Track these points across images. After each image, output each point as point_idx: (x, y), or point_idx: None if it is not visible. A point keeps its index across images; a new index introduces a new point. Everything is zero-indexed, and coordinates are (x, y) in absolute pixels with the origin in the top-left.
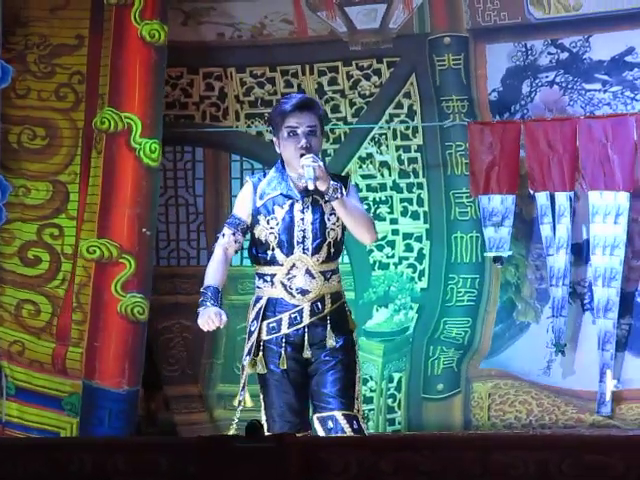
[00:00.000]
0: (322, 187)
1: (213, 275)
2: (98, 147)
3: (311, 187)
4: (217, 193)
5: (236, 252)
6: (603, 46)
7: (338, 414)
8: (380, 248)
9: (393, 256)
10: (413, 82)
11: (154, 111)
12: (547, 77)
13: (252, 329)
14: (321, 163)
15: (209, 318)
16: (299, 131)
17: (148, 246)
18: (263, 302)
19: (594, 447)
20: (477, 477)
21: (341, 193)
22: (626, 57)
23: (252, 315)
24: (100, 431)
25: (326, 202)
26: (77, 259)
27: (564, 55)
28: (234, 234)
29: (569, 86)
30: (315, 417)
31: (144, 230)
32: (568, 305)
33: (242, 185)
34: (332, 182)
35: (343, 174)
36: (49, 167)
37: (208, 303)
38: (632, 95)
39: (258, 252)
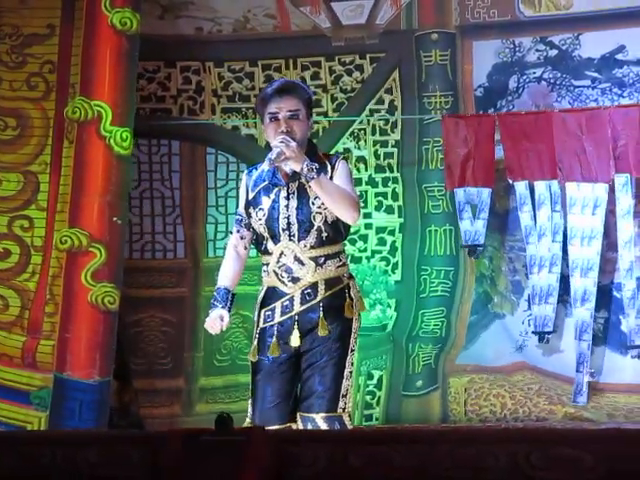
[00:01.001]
0: (296, 167)
1: (223, 275)
2: (70, 137)
3: (266, 167)
4: (193, 186)
5: (247, 247)
6: (593, 44)
7: (318, 417)
8: (353, 242)
9: (366, 250)
10: (396, 78)
11: (125, 100)
12: (534, 73)
13: (255, 318)
14: (293, 144)
15: (211, 321)
16: (280, 116)
17: (119, 235)
18: (263, 291)
19: (563, 440)
20: (448, 470)
21: (317, 173)
22: (617, 55)
23: (257, 304)
24: (71, 424)
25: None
26: (50, 251)
27: (553, 52)
28: (238, 231)
29: (557, 82)
30: (298, 414)
31: (115, 219)
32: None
33: (216, 178)
34: (307, 163)
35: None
36: (20, 158)
37: (217, 304)
38: (619, 92)
39: (257, 243)
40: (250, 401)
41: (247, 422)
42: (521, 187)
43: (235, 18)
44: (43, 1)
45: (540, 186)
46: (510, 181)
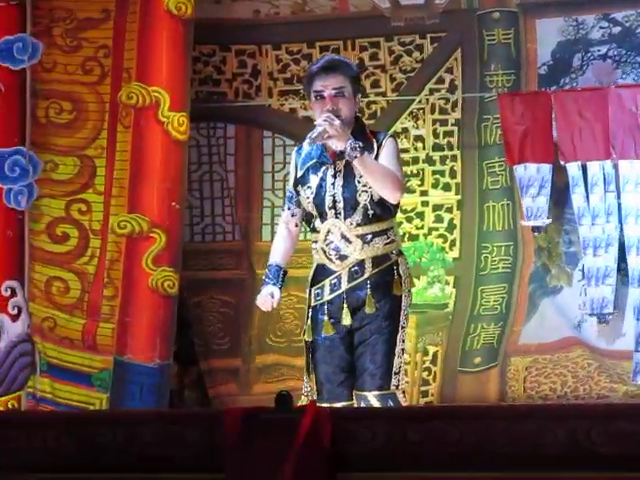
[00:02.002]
0: (340, 146)
1: (275, 252)
2: (125, 122)
3: (306, 146)
4: (248, 169)
5: (297, 225)
6: None
7: (370, 395)
8: (409, 220)
9: (422, 227)
10: (457, 57)
11: (181, 85)
12: (599, 51)
13: (307, 296)
14: (337, 122)
15: (262, 298)
16: (325, 94)
17: (178, 220)
18: (313, 269)
19: (623, 415)
20: (506, 446)
21: (361, 151)
22: None
23: (308, 282)
24: (133, 406)
25: None
26: (107, 235)
27: (617, 29)
28: (289, 208)
29: (622, 59)
30: (354, 392)
31: (174, 204)
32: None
33: (274, 162)
34: (351, 141)
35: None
36: (76, 142)
37: (268, 281)
38: None
39: (307, 221)
40: (306, 379)
41: (303, 400)
42: (573, 168)
43: (293, 0)
44: None
45: (593, 167)
46: (562, 162)
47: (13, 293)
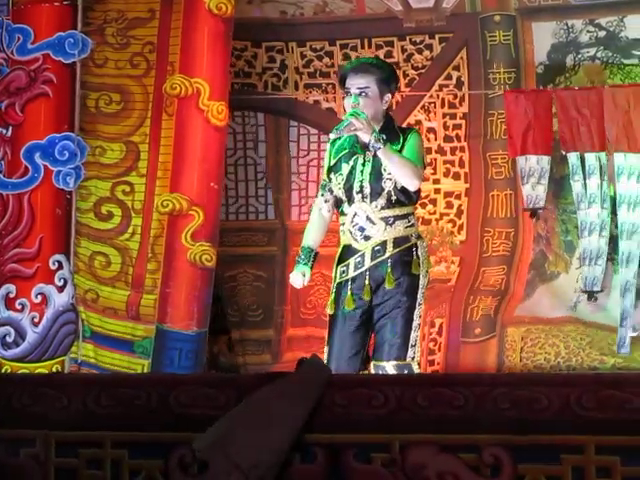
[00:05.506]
0: (364, 138)
1: (308, 235)
2: (169, 110)
3: (332, 136)
4: (277, 155)
5: (330, 210)
6: (637, 26)
7: (389, 364)
8: (424, 205)
9: (435, 212)
10: (463, 56)
11: (221, 76)
12: (588, 52)
13: (333, 274)
14: (363, 117)
15: (295, 276)
16: (352, 92)
17: (216, 199)
18: (339, 249)
19: (610, 384)
20: (505, 410)
21: (384, 143)
22: None
23: (335, 262)
24: (171, 370)
25: None
26: (152, 213)
27: (602, 33)
28: (323, 194)
29: (609, 61)
30: (372, 363)
31: (212, 184)
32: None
33: (299, 148)
34: (375, 134)
35: None
36: (123, 129)
37: (300, 261)
38: None
39: (337, 205)
40: (326, 349)
41: None
42: (573, 158)
43: (315, 2)
44: None
45: (590, 157)
46: (563, 152)
47: (60, 266)
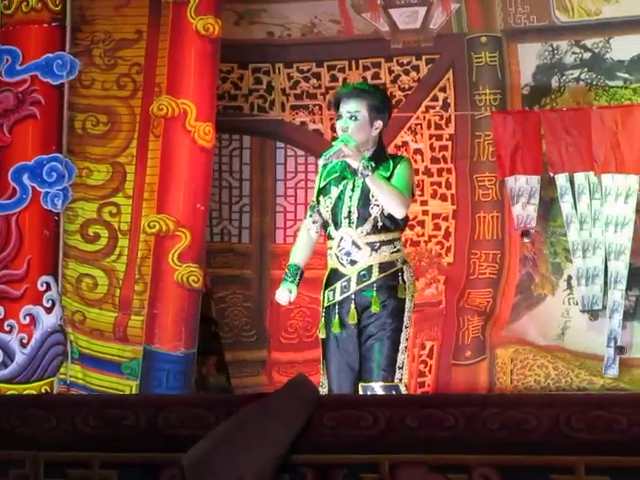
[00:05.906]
0: (353, 164)
1: (295, 253)
2: (156, 131)
3: (321, 162)
4: (263, 177)
5: (318, 231)
6: (623, 47)
7: (377, 385)
8: (412, 227)
9: (423, 235)
10: (450, 77)
11: (207, 97)
12: (573, 74)
13: (321, 298)
14: (352, 143)
15: (281, 293)
16: (343, 115)
17: (202, 220)
18: (327, 272)
19: (600, 405)
20: (495, 431)
21: (371, 171)
22: None
23: (322, 285)
24: (159, 391)
25: None
26: (138, 234)
27: (587, 55)
28: (311, 216)
29: (594, 82)
30: (360, 384)
31: (198, 205)
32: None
33: (286, 170)
34: (363, 161)
35: None
36: (109, 150)
37: (287, 279)
38: None
39: (325, 229)
40: (322, 373)
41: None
42: (562, 179)
43: (303, 23)
44: (132, 9)
45: (579, 177)
46: (551, 174)
47: (48, 287)
